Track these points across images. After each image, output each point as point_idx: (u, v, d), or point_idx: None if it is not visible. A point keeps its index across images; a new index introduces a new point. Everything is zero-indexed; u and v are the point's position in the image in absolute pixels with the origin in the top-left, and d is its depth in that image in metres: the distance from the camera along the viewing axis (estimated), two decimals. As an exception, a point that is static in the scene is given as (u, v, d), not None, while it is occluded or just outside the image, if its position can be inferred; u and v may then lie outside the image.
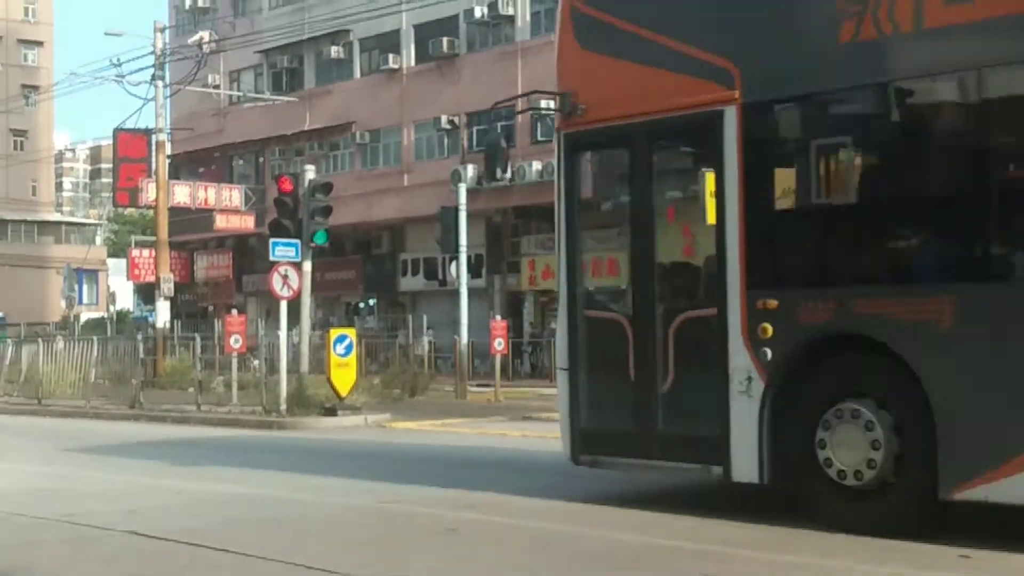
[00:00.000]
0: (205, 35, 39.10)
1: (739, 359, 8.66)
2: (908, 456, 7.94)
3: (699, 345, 9.09)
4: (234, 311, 29.17)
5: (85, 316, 50.57)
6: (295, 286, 19.78)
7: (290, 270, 19.74)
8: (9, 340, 31.56)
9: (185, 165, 48.20)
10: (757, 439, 8.55)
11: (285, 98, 42.27)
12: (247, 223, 43.03)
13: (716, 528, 8.45)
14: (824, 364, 8.42)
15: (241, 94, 44.41)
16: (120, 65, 33.18)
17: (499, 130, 10.71)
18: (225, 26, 45.87)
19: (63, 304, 45.82)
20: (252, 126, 45.50)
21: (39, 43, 73.90)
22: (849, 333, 8.25)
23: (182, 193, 39.86)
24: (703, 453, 8.92)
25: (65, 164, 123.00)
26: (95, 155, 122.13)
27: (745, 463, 8.64)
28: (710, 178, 8.85)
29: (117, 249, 69.51)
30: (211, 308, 46.88)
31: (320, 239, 20.37)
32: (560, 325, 10.07)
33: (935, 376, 7.77)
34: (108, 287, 66.20)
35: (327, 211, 20.45)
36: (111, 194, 45.09)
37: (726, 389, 8.73)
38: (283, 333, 20.40)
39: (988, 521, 7.84)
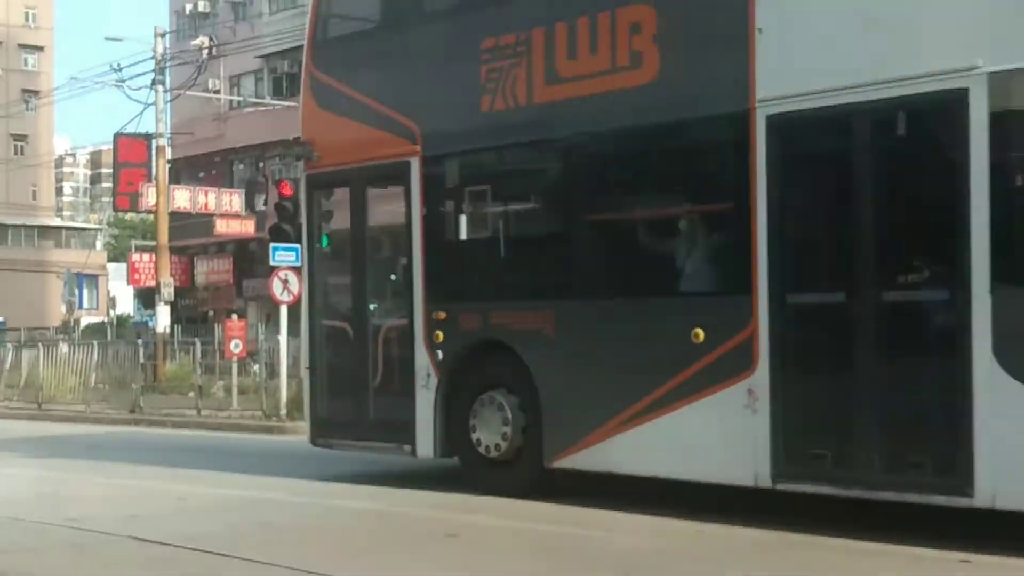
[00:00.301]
0: (205, 40, 39.29)
1: (421, 359, 10.92)
2: (529, 433, 10.19)
3: (398, 348, 11.30)
4: (234, 315, 29.40)
5: (85, 321, 50.99)
6: (295, 291, 19.87)
7: (290, 274, 19.86)
8: (9, 345, 31.30)
9: (185, 170, 48.56)
10: (433, 423, 10.83)
11: (285, 103, 42.50)
12: (247, 228, 43.23)
13: (719, 531, 8.72)
14: (476, 362, 10.66)
15: (241, 99, 44.69)
16: (120, 70, 33.44)
17: (259, 168, 12.55)
18: (225, 31, 46.26)
19: (63, 309, 45.96)
20: (252, 131, 45.80)
21: (39, 48, 74.86)
22: (489, 338, 10.52)
23: (182, 198, 40.10)
24: (399, 435, 11.10)
25: (65, 169, 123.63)
26: (95, 160, 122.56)
27: (426, 443, 10.91)
28: (404, 216, 11.12)
29: (117, 254, 70.11)
30: (211, 313, 47.12)
31: (321, 244, 20.48)
32: (304, 332, 12.42)
33: (540, 370, 10.10)
34: (108, 292, 66.72)
35: (328, 215, 20.57)
36: (111, 199, 45.32)
37: (413, 384, 10.97)
38: (283, 337, 20.59)
39: (989, 526, 7.99)
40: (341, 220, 12.09)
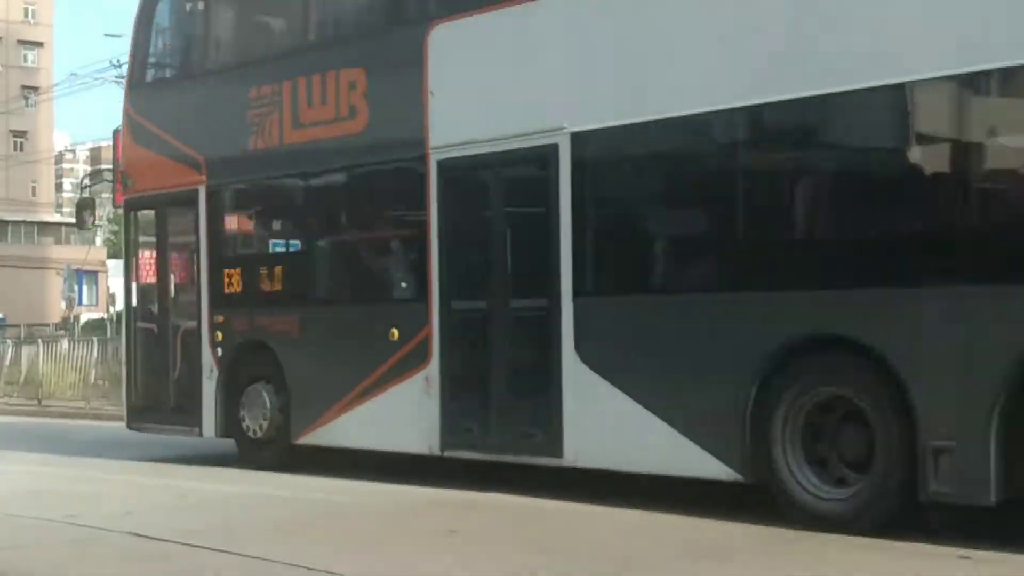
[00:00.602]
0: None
1: (206, 356, 13.93)
2: (284, 416, 13.15)
3: (190, 347, 14.26)
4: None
5: (85, 317, 53.04)
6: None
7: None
8: (9, 341, 32.62)
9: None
10: (214, 410, 13.81)
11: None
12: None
13: (716, 527, 9.23)
14: (245, 358, 13.60)
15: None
16: (120, 66, 35.80)
17: (86, 193, 17.52)
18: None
19: (63, 305, 48.02)
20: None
21: (39, 44, 78.22)
22: (254, 339, 13.40)
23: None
24: (190, 420, 14.12)
25: (65, 165, 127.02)
26: (95, 156, 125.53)
27: (209, 426, 13.91)
28: (194, 234, 14.10)
29: (117, 250, 71.82)
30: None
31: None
32: (123, 331, 15.70)
33: (289, 365, 13.09)
34: (108, 288, 68.87)
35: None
36: (111, 195, 47.50)
37: (200, 377, 13.99)
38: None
39: (989, 521, 8.53)
40: (151, 238, 15.18)
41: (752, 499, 9.58)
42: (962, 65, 8.39)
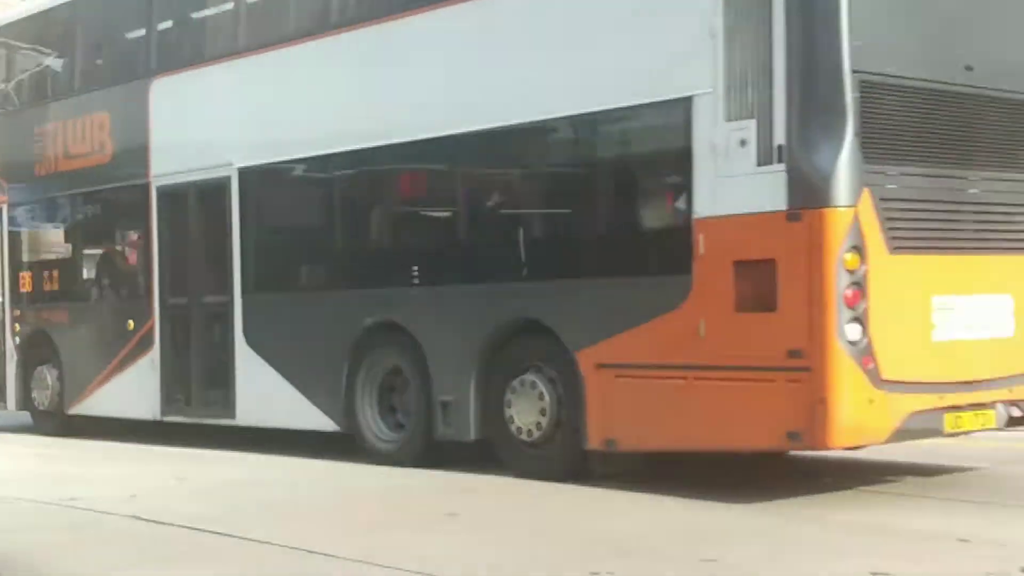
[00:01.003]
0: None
1: (9, 343, 18.13)
2: (60, 391, 17.21)
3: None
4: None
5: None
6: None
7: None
8: None
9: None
10: (15, 387, 18.02)
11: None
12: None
13: (711, 513, 9.53)
14: (34, 344, 17.63)
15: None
16: None
17: None
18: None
19: None
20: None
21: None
22: (38, 328, 17.62)
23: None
24: (0, 396, 18.32)
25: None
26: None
27: (12, 401, 18.12)
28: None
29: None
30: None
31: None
32: None
33: (63, 348, 17.15)
34: None
35: None
36: None
37: (4, 360, 18.15)
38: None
39: (988, 505, 9.35)
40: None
41: (750, 485, 10.31)
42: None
